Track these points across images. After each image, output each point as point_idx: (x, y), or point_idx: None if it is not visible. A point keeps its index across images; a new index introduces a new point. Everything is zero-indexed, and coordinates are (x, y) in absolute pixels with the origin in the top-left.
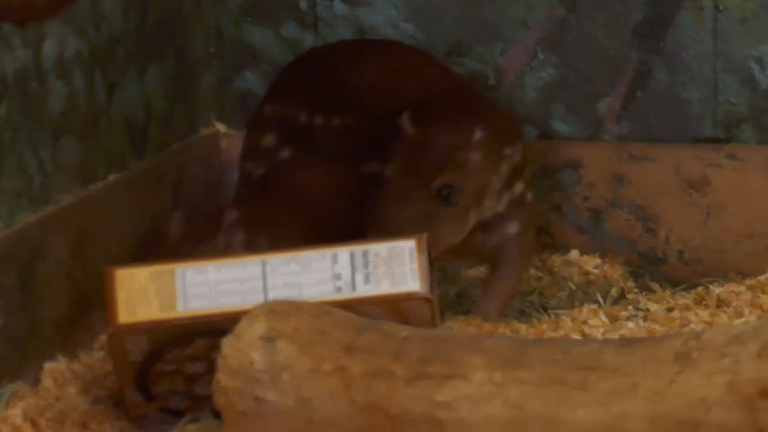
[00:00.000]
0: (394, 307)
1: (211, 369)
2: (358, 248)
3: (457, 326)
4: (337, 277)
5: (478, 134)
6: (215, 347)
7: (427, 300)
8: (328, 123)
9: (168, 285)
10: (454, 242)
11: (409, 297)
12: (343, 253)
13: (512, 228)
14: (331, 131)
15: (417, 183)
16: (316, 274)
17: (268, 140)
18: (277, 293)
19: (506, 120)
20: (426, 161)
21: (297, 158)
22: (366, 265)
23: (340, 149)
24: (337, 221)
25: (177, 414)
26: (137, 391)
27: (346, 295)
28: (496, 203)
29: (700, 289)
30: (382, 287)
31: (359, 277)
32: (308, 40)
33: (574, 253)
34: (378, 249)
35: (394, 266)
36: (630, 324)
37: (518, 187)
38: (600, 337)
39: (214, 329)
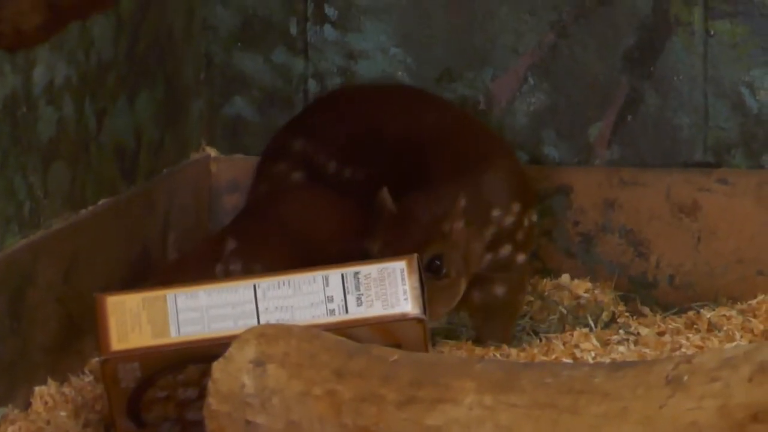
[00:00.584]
0: (386, 329)
1: (203, 394)
2: (349, 270)
3: (447, 350)
4: (330, 299)
5: (462, 203)
6: (207, 373)
7: (420, 321)
8: (354, 176)
9: (160, 311)
10: (449, 309)
11: (401, 318)
12: (335, 275)
13: (498, 290)
14: (355, 183)
15: None
16: (308, 297)
17: (294, 177)
18: (269, 317)
19: (514, 179)
20: (410, 236)
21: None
22: (358, 287)
23: (361, 199)
24: (338, 257)
25: None
26: (129, 419)
27: (338, 317)
28: (478, 264)
29: (691, 313)
30: (374, 309)
31: (351, 300)
32: (299, 66)
33: (565, 278)
34: (369, 270)
35: (386, 287)
36: (621, 348)
37: (505, 250)
38: (591, 360)
39: (206, 355)
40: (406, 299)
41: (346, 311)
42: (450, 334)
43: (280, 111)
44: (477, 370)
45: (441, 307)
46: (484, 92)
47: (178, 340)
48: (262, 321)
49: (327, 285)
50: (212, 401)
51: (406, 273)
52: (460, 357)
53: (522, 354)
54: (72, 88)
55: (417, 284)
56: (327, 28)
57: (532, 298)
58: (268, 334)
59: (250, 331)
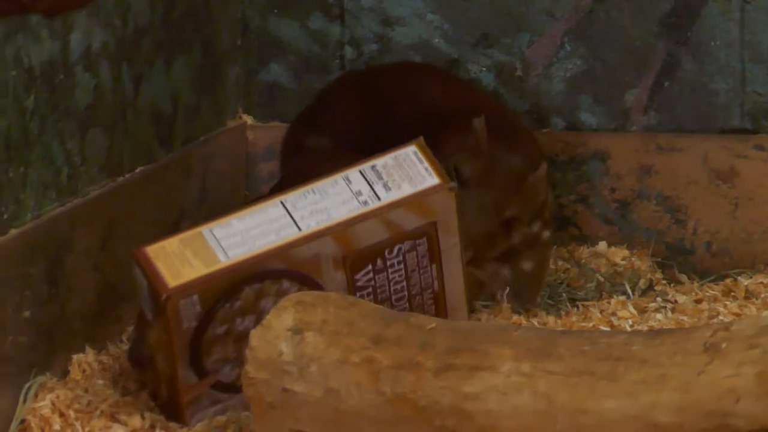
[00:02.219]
0: (420, 205)
1: (260, 320)
2: (365, 165)
3: (485, 318)
4: (358, 193)
5: (543, 168)
6: (262, 294)
7: (451, 189)
8: None
9: (202, 245)
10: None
11: (433, 191)
12: (354, 173)
13: (526, 265)
14: None
15: (490, 208)
16: (337, 197)
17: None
18: (307, 222)
19: (537, 149)
20: (499, 187)
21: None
22: (380, 176)
23: None
24: None
25: (228, 390)
26: (190, 367)
27: (373, 206)
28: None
29: (728, 280)
30: (404, 190)
31: (379, 188)
32: (335, 32)
33: (601, 245)
34: (384, 161)
35: (407, 169)
36: (658, 315)
37: (536, 226)
38: (628, 328)
39: (258, 272)
40: (430, 174)
41: (378, 199)
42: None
43: (316, 77)
44: (515, 337)
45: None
46: (521, 58)
47: (229, 263)
48: (302, 228)
49: (350, 183)
50: (250, 368)
51: (420, 153)
52: (497, 325)
53: (559, 322)
54: (109, 53)
55: (434, 160)
56: None
57: (569, 266)
58: (305, 302)
59: (288, 299)
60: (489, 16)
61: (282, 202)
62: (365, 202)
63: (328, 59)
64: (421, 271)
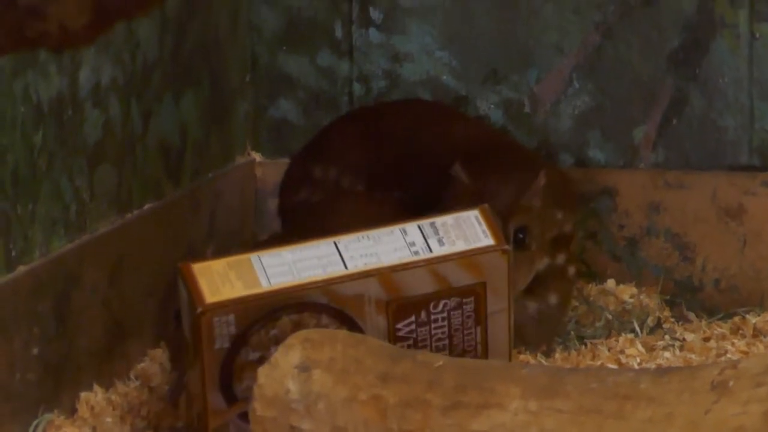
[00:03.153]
0: (471, 263)
1: None
2: (425, 221)
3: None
4: (411, 244)
5: (542, 179)
6: (300, 326)
7: (504, 252)
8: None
9: (247, 269)
10: (524, 286)
11: (485, 250)
12: (411, 226)
13: (552, 299)
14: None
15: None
16: (389, 245)
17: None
18: (356, 263)
19: (567, 184)
20: (492, 207)
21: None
22: (437, 232)
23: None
24: None
25: None
26: (219, 391)
27: (424, 256)
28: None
29: (736, 318)
30: (458, 246)
31: (433, 242)
32: (344, 68)
33: (610, 282)
34: (444, 219)
35: (465, 230)
36: (666, 353)
37: (560, 259)
38: (636, 366)
39: (300, 303)
40: (486, 236)
41: (430, 251)
42: None
43: (325, 114)
44: (522, 375)
45: (521, 279)
46: (529, 95)
47: (270, 289)
48: (350, 267)
49: (405, 234)
50: (257, 406)
51: (481, 218)
52: (504, 362)
53: (567, 359)
54: (118, 89)
55: (494, 224)
56: (372, 30)
57: (577, 303)
58: (313, 339)
59: (295, 336)
60: (497, 52)
61: (335, 243)
62: (416, 252)
63: (337, 95)
64: (465, 332)
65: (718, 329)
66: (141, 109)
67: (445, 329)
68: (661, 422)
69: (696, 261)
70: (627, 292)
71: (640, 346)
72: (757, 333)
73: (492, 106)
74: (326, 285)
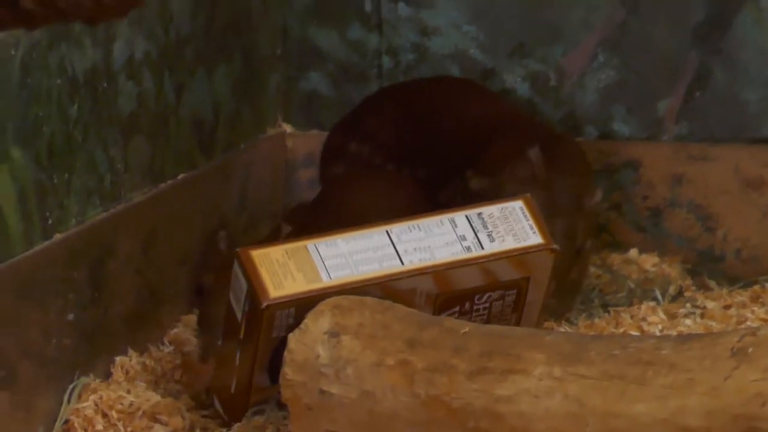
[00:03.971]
0: (520, 261)
1: None
2: (472, 211)
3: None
4: (462, 238)
5: (598, 194)
6: None
7: (552, 251)
8: (412, 175)
9: (306, 259)
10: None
11: (536, 249)
12: (460, 216)
13: (573, 274)
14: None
15: (563, 239)
16: (441, 238)
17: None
18: (410, 257)
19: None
20: (565, 217)
21: (356, 174)
22: (485, 225)
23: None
24: None
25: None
26: (267, 372)
27: (476, 253)
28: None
29: (756, 287)
30: (507, 243)
31: (483, 237)
32: (373, 42)
33: (633, 252)
34: (491, 210)
35: (512, 223)
36: (687, 321)
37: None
38: (658, 333)
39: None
40: (534, 232)
41: (482, 248)
42: None
43: (354, 86)
44: (546, 341)
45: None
46: (555, 68)
47: (331, 284)
48: (405, 262)
49: (456, 226)
50: (288, 371)
51: (526, 210)
52: (529, 329)
53: (591, 327)
54: (151, 62)
55: (539, 217)
56: (401, 4)
57: (601, 272)
58: (342, 306)
59: (325, 303)
60: (524, 27)
61: (387, 232)
62: (468, 248)
63: (366, 68)
64: (503, 319)
65: (739, 297)
66: (174, 82)
67: (485, 317)
68: (682, 388)
69: (718, 231)
70: (649, 262)
71: (661, 314)
72: None
73: (519, 79)
74: (384, 281)
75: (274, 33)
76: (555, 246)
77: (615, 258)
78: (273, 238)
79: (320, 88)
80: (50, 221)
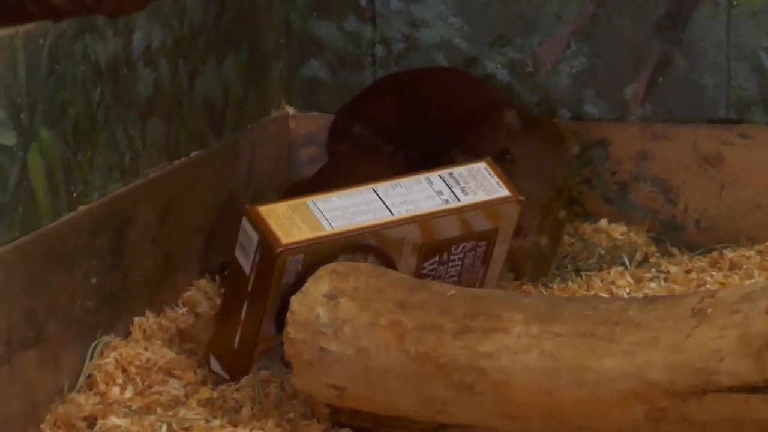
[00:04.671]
0: (492, 212)
1: None
2: (443, 171)
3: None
4: (440, 193)
5: (576, 147)
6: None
7: (519, 201)
8: (407, 156)
9: (307, 213)
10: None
11: (506, 200)
12: (434, 176)
13: (543, 240)
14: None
15: (546, 179)
16: (422, 193)
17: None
18: (398, 209)
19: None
20: (547, 161)
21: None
22: (458, 182)
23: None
24: None
25: None
26: (273, 319)
27: (454, 204)
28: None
29: (714, 253)
30: (479, 196)
31: (458, 191)
32: (367, 33)
33: (602, 222)
34: (459, 170)
35: (480, 180)
36: (652, 284)
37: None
38: (625, 295)
39: (355, 244)
40: (501, 187)
41: (458, 200)
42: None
43: (351, 73)
44: (524, 303)
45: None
46: (532, 56)
47: (333, 232)
48: (395, 213)
49: (432, 183)
50: (290, 330)
51: (489, 169)
52: (509, 292)
53: (564, 290)
54: (167, 51)
55: (502, 176)
56: None
57: (573, 240)
58: (339, 271)
59: (324, 268)
60: (504, 19)
61: (374, 190)
62: (446, 201)
63: (361, 57)
64: (473, 271)
65: (699, 263)
66: (187, 69)
67: (458, 268)
68: (647, 345)
69: (679, 203)
70: (618, 231)
71: (629, 278)
72: (732, 266)
73: (498, 66)
74: (377, 229)
75: (278, 25)
76: (521, 197)
77: (586, 228)
78: None
79: (320, 75)
80: (75, 195)
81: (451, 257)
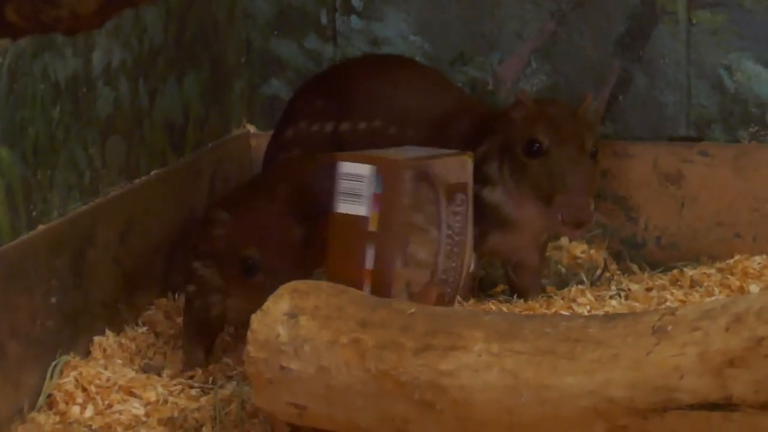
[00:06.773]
0: (463, 161)
1: None
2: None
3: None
4: (427, 150)
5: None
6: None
7: (470, 156)
8: (354, 128)
9: (377, 155)
10: None
11: (465, 154)
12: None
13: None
14: (358, 135)
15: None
16: (415, 152)
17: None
18: (419, 153)
19: None
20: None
21: (290, 158)
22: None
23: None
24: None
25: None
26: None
27: (449, 152)
28: None
29: (675, 271)
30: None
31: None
32: (328, 51)
33: (563, 240)
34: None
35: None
36: (613, 302)
37: None
38: (586, 313)
39: (424, 172)
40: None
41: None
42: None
43: None
44: (485, 321)
45: None
46: (492, 74)
47: (409, 156)
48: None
49: (413, 149)
50: (251, 348)
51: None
52: (469, 310)
53: (525, 307)
54: (127, 70)
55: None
56: (353, 17)
57: None
58: (300, 290)
59: (284, 287)
60: (464, 37)
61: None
62: (438, 152)
63: None
64: (462, 234)
65: (659, 281)
66: (148, 87)
67: (463, 220)
68: (608, 362)
69: (639, 221)
70: (578, 248)
71: (589, 296)
72: (693, 284)
73: (459, 84)
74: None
75: (239, 44)
76: (470, 153)
77: (547, 245)
78: (206, 226)
79: (281, 93)
80: (35, 213)
81: (458, 208)
